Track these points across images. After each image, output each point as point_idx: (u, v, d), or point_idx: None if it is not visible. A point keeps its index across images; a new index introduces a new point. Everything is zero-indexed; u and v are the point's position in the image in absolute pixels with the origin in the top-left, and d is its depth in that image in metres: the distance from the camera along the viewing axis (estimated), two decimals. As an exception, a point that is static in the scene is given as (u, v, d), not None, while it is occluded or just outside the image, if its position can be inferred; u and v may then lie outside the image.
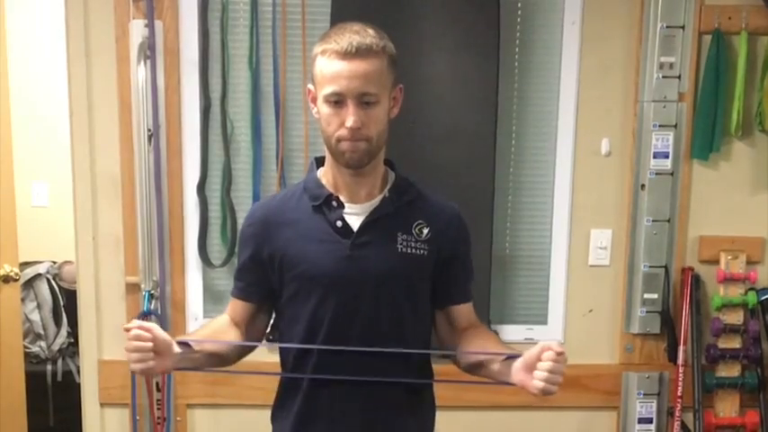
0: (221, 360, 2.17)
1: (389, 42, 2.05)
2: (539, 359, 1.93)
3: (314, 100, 2.08)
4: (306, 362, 2.15)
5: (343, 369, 2.11)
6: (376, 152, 2.08)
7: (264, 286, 2.20)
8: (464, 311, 2.26)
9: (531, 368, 1.95)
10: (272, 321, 2.31)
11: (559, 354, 1.91)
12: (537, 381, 1.93)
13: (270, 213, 2.20)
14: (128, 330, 1.93)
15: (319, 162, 2.22)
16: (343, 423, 2.16)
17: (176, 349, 2.00)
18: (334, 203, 2.12)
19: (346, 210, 2.12)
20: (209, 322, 2.28)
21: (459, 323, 2.25)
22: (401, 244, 2.13)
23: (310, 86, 2.09)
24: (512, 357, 2.04)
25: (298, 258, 2.12)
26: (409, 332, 2.17)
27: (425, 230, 2.16)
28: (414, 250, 2.14)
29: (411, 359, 2.15)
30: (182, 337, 2.08)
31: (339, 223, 2.11)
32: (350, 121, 1.98)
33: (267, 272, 2.17)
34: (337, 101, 1.99)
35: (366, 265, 2.10)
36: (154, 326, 1.96)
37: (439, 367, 2.28)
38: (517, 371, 1.99)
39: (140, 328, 1.93)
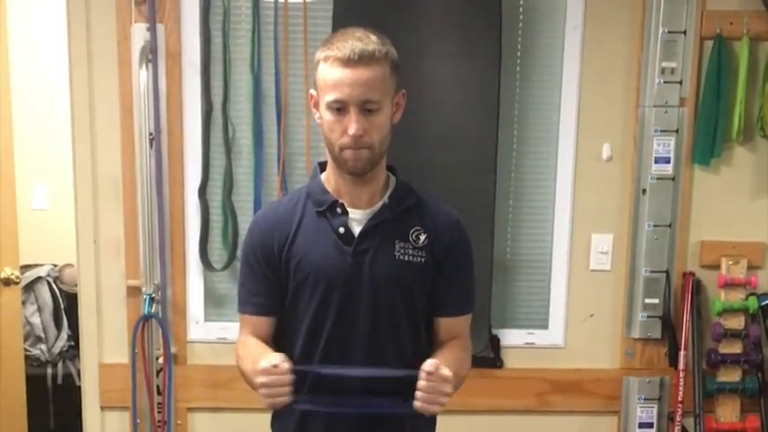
0: None
1: (392, 48, 2.05)
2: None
3: (316, 105, 2.08)
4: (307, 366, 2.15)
5: (342, 378, 2.11)
6: (378, 159, 2.08)
7: (281, 295, 2.19)
8: (446, 325, 2.24)
9: None
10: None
11: (428, 373, 1.93)
12: (415, 400, 1.96)
13: (278, 218, 2.20)
14: (276, 366, 1.95)
15: (322, 167, 2.22)
16: (341, 427, 2.17)
17: None
18: (339, 210, 2.12)
19: (349, 216, 2.12)
20: (247, 346, 2.21)
21: (440, 336, 2.24)
22: (399, 251, 2.14)
23: (312, 92, 2.10)
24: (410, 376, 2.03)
25: (301, 264, 2.13)
26: (407, 339, 2.18)
27: (422, 237, 2.16)
28: (411, 257, 2.14)
29: (409, 366, 2.15)
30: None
31: (342, 230, 2.11)
32: (352, 129, 1.98)
33: (279, 274, 2.17)
34: (339, 108, 1.99)
35: (365, 273, 2.11)
36: (284, 356, 2.00)
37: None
38: None
39: (283, 361, 1.97)
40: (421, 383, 1.94)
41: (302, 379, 2.13)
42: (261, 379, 1.95)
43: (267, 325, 2.22)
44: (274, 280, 2.18)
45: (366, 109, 1.99)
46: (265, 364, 1.96)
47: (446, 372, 1.95)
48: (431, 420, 2.27)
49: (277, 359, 1.96)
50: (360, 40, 1.99)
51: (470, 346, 2.30)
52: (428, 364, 1.94)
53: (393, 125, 2.09)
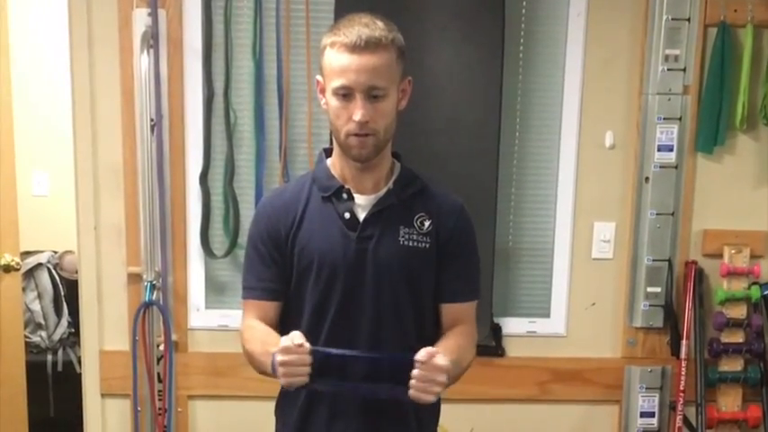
0: None
1: (398, 34, 2.05)
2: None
3: (322, 91, 2.08)
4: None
5: (347, 362, 2.10)
6: (383, 145, 2.08)
7: (286, 278, 2.18)
8: (451, 311, 2.23)
9: None
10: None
11: (421, 362, 1.90)
12: (410, 388, 1.93)
13: (284, 204, 2.19)
14: (300, 345, 1.91)
15: (327, 153, 2.22)
16: (345, 416, 2.17)
17: None
18: (345, 195, 2.12)
19: (355, 201, 2.12)
20: (254, 331, 2.18)
21: (445, 322, 2.23)
22: (403, 237, 2.13)
23: (319, 78, 2.09)
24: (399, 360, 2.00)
25: (307, 249, 2.13)
26: (411, 325, 2.17)
27: (427, 223, 2.15)
28: (416, 243, 2.14)
29: (414, 352, 2.15)
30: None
31: (347, 215, 2.11)
32: (358, 116, 1.98)
33: (285, 259, 2.16)
34: (346, 94, 1.99)
35: (369, 258, 2.11)
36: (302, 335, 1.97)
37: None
38: None
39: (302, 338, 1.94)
40: (414, 372, 1.91)
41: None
42: (282, 357, 1.92)
43: (274, 310, 2.21)
44: (282, 264, 2.17)
45: (372, 95, 1.98)
46: (287, 342, 1.93)
47: (441, 361, 1.92)
48: (435, 409, 2.28)
49: (300, 338, 1.93)
50: (366, 26, 1.98)
51: (475, 333, 2.28)
52: (421, 353, 1.92)
53: (399, 112, 2.08)
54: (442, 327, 2.23)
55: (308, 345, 1.92)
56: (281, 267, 2.17)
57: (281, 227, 2.16)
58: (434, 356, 1.91)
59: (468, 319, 2.26)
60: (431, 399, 1.93)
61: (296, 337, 1.94)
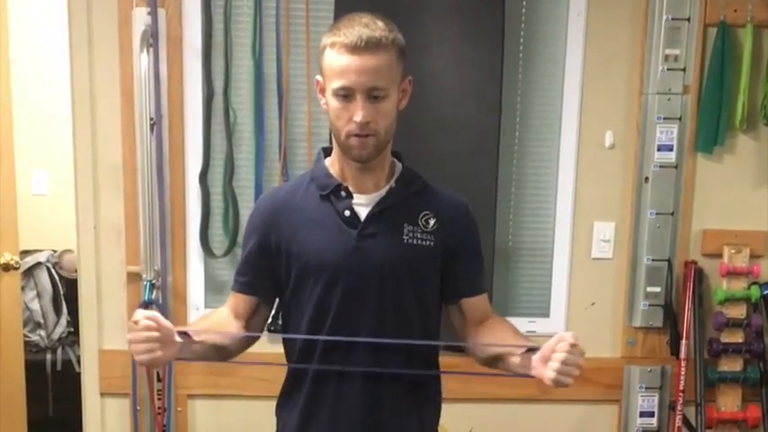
0: (222, 353, 2.15)
1: (399, 34, 2.04)
2: (554, 350, 1.92)
3: (322, 91, 2.07)
4: (311, 353, 2.14)
5: (348, 361, 2.11)
6: (384, 146, 2.07)
7: (270, 279, 2.19)
8: (476, 304, 2.24)
9: (548, 359, 1.94)
10: (272, 312, 2.30)
11: (572, 345, 1.89)
12: (549, 371, 1.91)
13: (278, 203, 2.19)
14: (136, 322, 1.89)
15: (326, 152, 2.21)
16: (346, 415, 2.16)
17: (177, 338, 1.97)
18: (343, 193, 2.11)
19: (354, 200, 2.11)
20: (210, 314, 2.24)
21: (473, 316, 2.23)
22: (407, 235, 2.12)
23: (318, 78, 2.08)
24: (532, 350, 2.02)
25: (305, 248, 2.11)
26: (415, 323, 2.16)
27: (432, 221, 2.15)
28: (420, 241, 2.13)
29: (416, 353, 2.14)
30: (182, 327, 2.05)
31: (347, 213, 2.10)
32: (358, 117, 1.97)
33: (274, 262, 2.16)
34: (346, 95, 1.98)
35: (372, 256, 2.10)
36: (157, 314, 1.93)
37: (445, 359, 2.28)
38: (536, 363, 1.98)
39: (147, 318, 1.90)
40: (562, 356, 1.89)
41: (311, 347, 2.13)
42: (126, 336, 1.92)
43: (244, 303, 2.22)
44: (265, 262, 2.17)
45: (372, 96, 1.98)
46: (130, 321, 1.93)
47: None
48: (435, 409, 2.28)
49: (139, 315, 1.91)
50: (366, 27, 1.97)
51: None
52: (572, 336, 1.91)
53: (399, 111, 2.08)
54: (469, 321, 2.23)
55: (145, 321, 1.89)
56: (266, 267, 2.18)
57: (270, 228, 2.16)
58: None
59: (491, 310, 2.29)
60: (570, 382, 1.92)
61: (136, 314, 1.93)
